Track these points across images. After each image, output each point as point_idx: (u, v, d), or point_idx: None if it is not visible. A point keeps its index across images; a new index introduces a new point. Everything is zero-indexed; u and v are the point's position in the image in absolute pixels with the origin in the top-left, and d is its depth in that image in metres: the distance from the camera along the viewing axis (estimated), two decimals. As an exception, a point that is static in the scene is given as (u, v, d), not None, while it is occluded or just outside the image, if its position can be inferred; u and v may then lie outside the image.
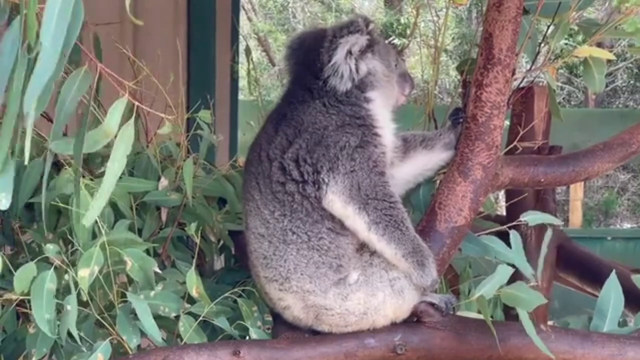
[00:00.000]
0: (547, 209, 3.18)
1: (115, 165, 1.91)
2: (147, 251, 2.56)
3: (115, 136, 1.89)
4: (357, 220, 2.18)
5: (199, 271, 2.72)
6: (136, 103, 1.93)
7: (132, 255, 2.22)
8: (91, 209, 1.94)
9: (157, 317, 2.32)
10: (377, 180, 2.20)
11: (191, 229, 2.35)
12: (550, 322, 3.24)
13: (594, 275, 3.18)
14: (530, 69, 2.55)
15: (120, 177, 2.48)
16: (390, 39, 13.07)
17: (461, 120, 2.43)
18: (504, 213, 3.23)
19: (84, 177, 2.46)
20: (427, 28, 10.24)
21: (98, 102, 2.51)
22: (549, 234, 2.54)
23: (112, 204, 2.49)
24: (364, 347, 2.23)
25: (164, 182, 2.55)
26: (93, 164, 2.68)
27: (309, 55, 2.32)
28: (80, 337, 2.22)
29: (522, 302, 2.20)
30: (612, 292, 2.49)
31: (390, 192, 2.21)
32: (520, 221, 2.50)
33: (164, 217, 2.61)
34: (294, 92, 2.32)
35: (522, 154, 2.96)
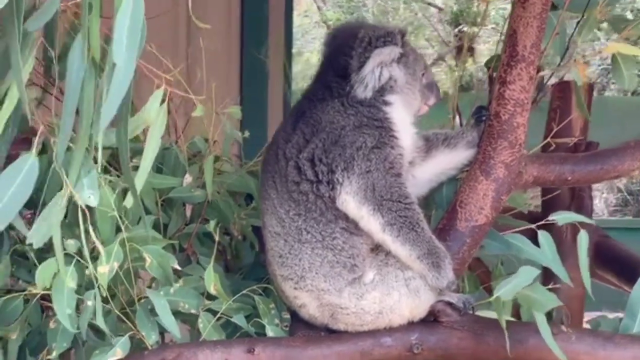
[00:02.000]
0: (583, 206, 3.14)
1: (151, 147, 1.94)
2: (173, 247, 2.61)
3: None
4: (371, 222, 2.18)
5: (225, 267, 2.77)
6: (169, 89, 1.96)
7: (151, 252, 2.24)
8: (130, 195, 1.98)
9: (180, 313, 2.35)
10: (392, 182, 2.19)
11: (211, 225, 2.37)
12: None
13: (632, 273, 3.12)
14: (559, 65, 2.52)
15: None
16: (461, 27, 12.96)
17: (484, 118, 2.40)
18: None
19: (109, 173, 2.49)
20: (498, 16, 10.16)
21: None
22: (585, 239, 2.45)
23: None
24: (380, 346, 2.23)
25: (188, 178, 2.57)
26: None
27: (336, 54, 2.32)
28: (103, 333, 2.26)
29: (536, 304, 2.17)
30: (644, 291, 2.44)
31: (406, 194, 2.20)
32: (549, 221, 2.46)
33: (189, 213, 2.63)
34: (315, 90, 2.33)
35: (557, 151, 2.94)
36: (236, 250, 2.77)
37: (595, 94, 3.23)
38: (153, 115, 1.84)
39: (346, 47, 2.27)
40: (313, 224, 2.20)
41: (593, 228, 3.27)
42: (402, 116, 2.30)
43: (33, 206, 2.56)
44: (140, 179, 1.88)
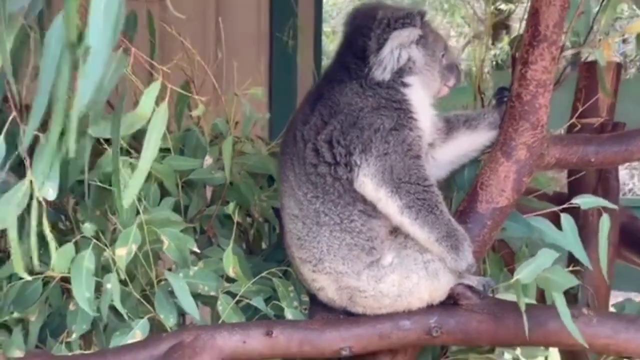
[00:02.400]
0: (609, 187, 3.11)
1: (150, 147, 1.93)
2: (194, 229, 2.62)
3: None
4: (389, 204, 2.16)
5: (247, 249, 2.77)
6: (169, 86, 1.95)
7: (169, 235, 2.25)
8: (128, 190, 1.97)
9: (200, 296, 2.35)
10: (411, 164, 2.17)
11: (230, 207, 2.37)
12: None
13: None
14: (583, 44, 2.48)
15: (166, 155, 2.54)
16: (497, 4, 12.87)
17: (506, 98, 2.37)
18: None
19: (130, 155, 2.50)
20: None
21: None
22: (606, 223, 2.41)
23: (159, 182, 2.52)
24: (399, 329, 2.22)
25: (208, 160, 2.56)
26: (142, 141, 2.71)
27: (355, 35, 2.30)
28: (122, 315, 2.27)
29: (554, 285, 2.15)
30: (668, 275, 2.42)
31: (424, 176, 2.18)
32: (572, 204, 2.43)
33: (209, 195, 2.63)
34: (333, 71, 2.31)
35: (583, 132, 2.91)
36: (257, 232, 2.76)
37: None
38: (147, 111, 1.81)
39: (365, 29, 2.25)
40: (331, 206, 2.19)
41: (620, 209, 3.25)
42: (421, 98, 2.28)
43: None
44: (137, 180, 1.86)
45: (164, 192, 2.55)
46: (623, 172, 11.69)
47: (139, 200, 2.36)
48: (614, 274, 3.15)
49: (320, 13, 5.75)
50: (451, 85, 2.39)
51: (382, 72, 2.22)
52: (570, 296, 3.02)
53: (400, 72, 2.26)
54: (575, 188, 3.11)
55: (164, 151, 2.59)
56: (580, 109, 2.84)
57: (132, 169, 2.34)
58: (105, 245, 2.20)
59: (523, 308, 2.12)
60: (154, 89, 1.83)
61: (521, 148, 2.33)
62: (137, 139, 2.69)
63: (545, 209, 2.51)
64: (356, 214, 2.18)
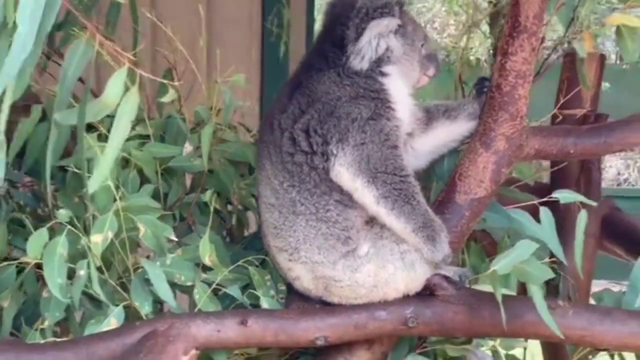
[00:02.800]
0: (591, 179, 3.10)
1: (118, 133, 1.93)
2: (174, 217, 2.61)
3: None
4: (365, 194, 2.15)
5: (229, 237, 2.76)
6: (138, 71, 1.94)
7: (145, 222, 2.24)
8: (94, 177, 1.97)
9: (179, 285, 2.35)
10: (388, 154, 2.16)
11: (207, 195, 2.36)
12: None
13: (638, 246, 3.08)
14: (565, 36, 2.47)
15: (146, 142, 2.53)
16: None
17: (486, 89, 2.36)
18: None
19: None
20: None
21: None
22: (583, 219, 2.39)
23: (138, 170, 2.51)
24: (375, 320, 2.21)
25: (188, 147, 2.55)
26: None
27: (334, 24, 2.29)
28: (100, 302, 2.26)
29: (531, 277, 2.14)
30: (648, 266, 2.41)
31: (401, 166, 2.17)
32: (551, 198, 2.42)
33: (189, 182, 2.62)
34: (312, 59, 2.30)
35: (566, 123, 2.90)
36: (239, 220, 2.76)
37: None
38: (113, 98, 1.80)
39: (343, 17, 2.24)
40: (307, 195, 2.18)
41: (603, 201, 3.25)
42: (400, 87, 2.27)
43: (35, 173, 2.58)
44: (104, 165, 1.85)
45: (144, 180, 2.54)
46: (619, 162, 11.70)
47: (117, 187, 2.36)
48: (595, 265, 3.16)
49: (313, 2, 5.72)
50: (431, 75, 2.38)
51: (360, 61, 2.21)
52: (552, 287, 3.03)
53: (378, 62, 2.25)
54: (558, 179, 3.11)
55: (143, 138, 2.59)
56: (562, 100, 2.84)
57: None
58: (81, 232, 2.18)
59: (500, 299, 2.12)
60: (120, 75, 1.82)
61: (500, 139, 2.32)
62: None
63: (527, 201, 2.50)
64: (332, 204, 2.18)
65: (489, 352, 2.43)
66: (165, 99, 2.06)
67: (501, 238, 2.79)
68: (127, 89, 1.88)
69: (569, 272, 3.01)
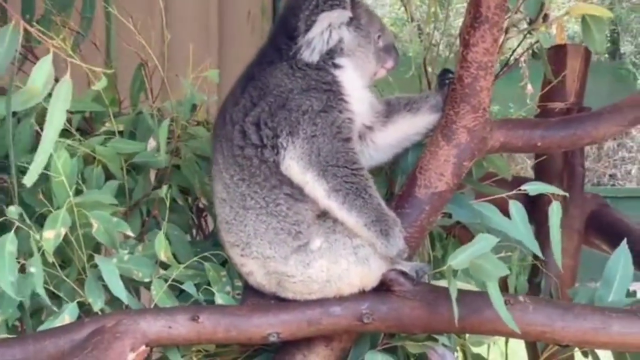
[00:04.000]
0: (575, 173, 3.05)
1: (54, 122, 1.91)
2: (140, 212, 2.59)
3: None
4: (316, 187, 2.12)
5: (201, 233, 2.74)
6: (69, 60, 1.93)
7: (99, 218, 2.21)
8: (31, 169, 1.95)
9: (136, 281, 2.33)
10: (339, 147, 2.12)
11: (163, 190, 2.34)
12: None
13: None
14: (532, 26, 2.41)
15: (111, 138, 2.52)
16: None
17: (448, 81, 2.32)
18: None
19: (73, 137, 2.48)
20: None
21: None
22: (557, 211, 2.33)
23: (103, 166, 2.50)
24: (329, 315, 2.18)
25: (152, 142, 2.53)
26: (96, 122, 2.70)
27: (287, 16, 2.26)
28: (58, 299, 2.25)
29: (487, 273, 2.09)
30: (620, 261, 2.37)
31: (353, 159, 2.13)
32: (520, 191, 2.36)
33: (152, 178, 2.60)
34: (265, 52, 2.28)
35: (550, 116, 2.85)
36: (205, 216, 2.73)
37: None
38: (38, 86, 1.78)
39: (296, 9, 2.21)
40: (257, 189, 2.15)
41: (591, 196, 3.19)
42: (353, 79, 2.23)
43: (5, 171, 2.57)
44: (40, 158, 1.84)
45: (110, 176, 2.52)
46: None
47: (78, 183, 2.35)
48: (580, 261, 3.10)
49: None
50: (388, 67, 2.34)
51: (310, 53, 2.18)
52: (535, 285, 2.98)
53: (331, 54, 2.21)
54: (541, 174, 3.06)
55: (108, 134, 2.57)
56: (540, 93, 2.80)
57: (67, 150, 2.31)
58: (32, 229, 2.17)
59: (454, 295, 2.06)
60: (45, 63, 1.80)
61: (462, 131, 2.27)
62: (86, 120, 2.69)
63: (496, 194, 2.44)
64: (282, 198, 2.14)
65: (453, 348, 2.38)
66: (98, 86, 2.03)
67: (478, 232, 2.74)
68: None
69: (553, 268, 2.96)
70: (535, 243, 2.32)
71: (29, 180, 1.90)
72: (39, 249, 2.18)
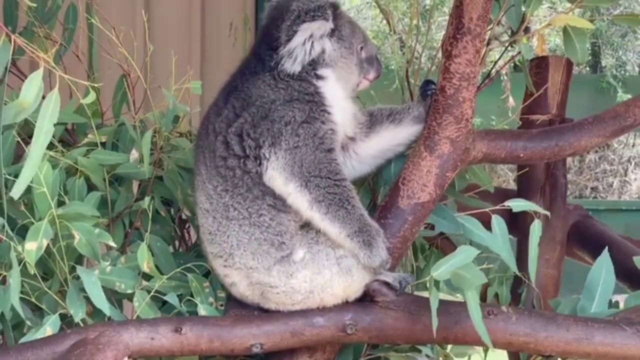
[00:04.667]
0: (557, 185, 3.05)
1: (42, 135, 1.91)
2: (123, 224, 2.58)
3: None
4: (298, 198, 2.12)
5: (183, 244, 2.73)
6: (58, 73, 1.93)
7: (80, 229, 2.20)
8: (18, 182, 1.94)
9: (119, 293, 2.32)
10: (322, 157, 2.13)
11: (145, 202, 2.34)
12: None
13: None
14: (513, 37, 2.42)
15: (93, 150, 2.51)
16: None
17: (430, 92, 2.33)
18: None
19: (55, 149, 2.47)
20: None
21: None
22: (537, 229, 2.34)
23: (86, 177, 2.49)
24: (312, 326, 2.18)
25: (134, 154, 2.52)
26: (78, 134, 2.70)
27: (270, 27, 2.26)
28: (40, 311, 2.24)
29: (467, 282, 2.09)
30: (602, 272, 2.37)
31: (335, 170, 2.14)
32: (503, 206, 2.37)
33: (135, 189, 2.59)
34: (248, 63, 2.28)
35: (533, 128, 2.86)
36: (188, 228, 2.73)
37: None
38: (29, 100, 1.78)
39: (278, 20, 2.21)
40: (240, 200, 2.15)
41: (574, 207, 3.20)
42: (336, 90, 2.24)
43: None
44: (28, 170, 1.83)
45: (92, 187, 2.51)
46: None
47: (59, 194, 2.34)
48: (562, 272, 3.10)
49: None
50: (371, 78, 2.35)
51: (292, 63, 2.19)
52: (517, 296, 2.98)
53: (314, 65, 2.22)
54: (523, 186, 3.06)
55: (90, 145, 2.57)
56: (522, 105, 2.81)
57: (50, 162, 2.30)
58: (14, 240, 2.16)
59: (434, 306, 2.07)
60: (36, 77, 1.80)
61: (444, 142, 2.28)
62: (69, 132, 2.68)
63: (482, 209, 2.45)
64: (265, 208, 2.14)
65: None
66: (85, 101, 2.03)
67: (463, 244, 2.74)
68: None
69: (537, 279, 2.97)
70: (512, 259, 2.33)
71: (16, 192, 1.90)
72: (20, 261, 2.17)
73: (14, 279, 2.08)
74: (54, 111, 1.87)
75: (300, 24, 2.17)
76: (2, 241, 2.23)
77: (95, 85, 1.98)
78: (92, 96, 2.01)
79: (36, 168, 1.89)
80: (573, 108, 3.13)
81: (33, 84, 1.83)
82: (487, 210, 2.37)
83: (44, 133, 1.88)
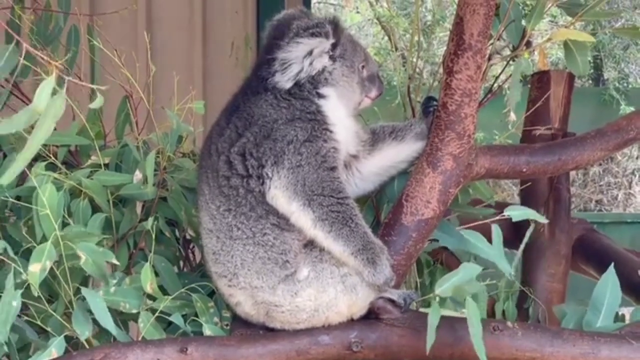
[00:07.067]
0: (560, 198, 3.05)
1: (39, 133, 1.89)
2: (127, 245, 2.58)
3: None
4: (301, 217, 2.12)
5: (188, 264, 2.73)
6: (67, 78, 1.92)
7: (85, 249, 2.20)
8: (10, 171, 1.92)
9: (124, 313, 2.32)
10: (324, 176, 2.13)
11: (149, 223, 2.34)
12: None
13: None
14: (515, 52, 2.43)
15: (97, 171, 2.52)
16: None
17: (432, 109, 2.33)
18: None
19: (59, 170, 2.48)
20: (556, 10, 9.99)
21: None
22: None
23: (90, 199, 2.49)
24: (318, 345, 2.17)
25: (138, 175, 2.52)
26: (82, 155, 2.70)
27: (270, 46, 2.27)
28: (46, 333, 2.24)
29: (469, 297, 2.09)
30: (608, 286, 2.37)
31: (339, 188, 2.13)
32: (503, 216, 2.37)
33: (139, 210, 2.60)
34: (250, 82, 2.28)
35: (535, 142, 2.87)
36: (193, 248, 2.73)
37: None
38: (43, 106, 1.78)
39: (278, 39, 2.22)
40: (243, 219, 2.15)
41: (578, 221, 3.20)
42: (338, 109, 2.24)
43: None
44: (19, 165, 1.83)
45: (96, 209, 2.51)
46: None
47: (64, 216, 2.34)
48: (567, 286, 3.09)
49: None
50: (373, 96, 2.35)
51: (286, 80, 2.19)
52: (524, 311, 2.98)
53: (315, 83, 2.22)
54: (527, 200, 3.06)
55: (94, 167, 2.57)
56: (524, 116, 2.81)
57: (53, 184, 2.31)
58: (16, 263, 2.16)
59: (433, 322, 2.06)
60: (49, 82, 1.80)
61: (447, 158, 2.29)
62: (72, 154, 2.69)
63: (486, 218, 2.46)
64: (269, 227, 2.14)
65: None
66: (93, 105, 2.03)
67: (466, 260, 2.74)
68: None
69: (540, 294, 2.97)
70: (508, 267, 2.32)
71: (5, 179, 1.88)
72: (23, 283, 2.17)
73: (10, 299, 2.07)
74: (57, 110, 1.86)
75: (297, 40, 2.17)
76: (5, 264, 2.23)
77: (99, 103, 1.97)
78: (100, 100, 2.01)
79: (28, 160, 1.85)
80: (576, 121, 3.14)
81: (46, 90, 1.83)
82: (487, 222, 2.38)
83: (44, 128, 1.86)
